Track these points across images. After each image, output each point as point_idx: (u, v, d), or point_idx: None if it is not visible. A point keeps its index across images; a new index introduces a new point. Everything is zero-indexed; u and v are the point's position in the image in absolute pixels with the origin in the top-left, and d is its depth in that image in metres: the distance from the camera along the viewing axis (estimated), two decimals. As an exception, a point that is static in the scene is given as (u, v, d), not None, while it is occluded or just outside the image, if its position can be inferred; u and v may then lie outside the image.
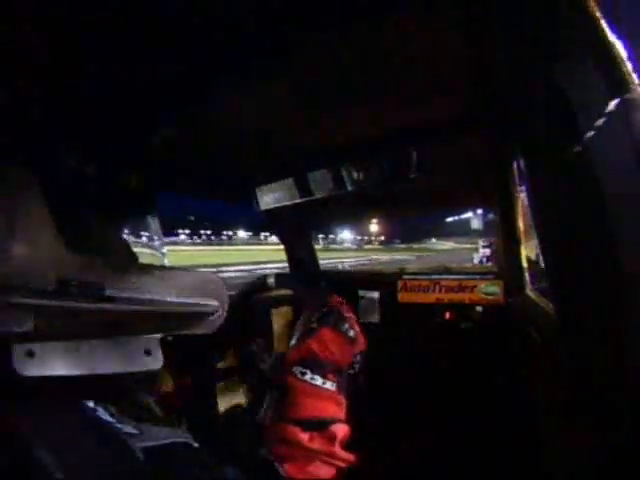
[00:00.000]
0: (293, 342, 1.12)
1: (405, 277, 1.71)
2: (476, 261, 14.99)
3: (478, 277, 1.59)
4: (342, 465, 0.91)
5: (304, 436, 0.91)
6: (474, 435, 1.31)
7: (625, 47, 0.38)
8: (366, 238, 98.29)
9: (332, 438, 0.92)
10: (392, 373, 1.58)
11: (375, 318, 1.73)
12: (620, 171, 0.37)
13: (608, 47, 0.38)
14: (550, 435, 0.86)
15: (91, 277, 0.51)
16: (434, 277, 1.67)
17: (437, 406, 1.47)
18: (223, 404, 1.28)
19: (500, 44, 0.52)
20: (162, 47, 0.65)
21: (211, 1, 0.56)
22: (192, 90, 0.83)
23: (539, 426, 0.98)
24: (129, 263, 0.64)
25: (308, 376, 0.99)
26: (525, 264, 1.46)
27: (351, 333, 1.12)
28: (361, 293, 1.76)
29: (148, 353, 0.59)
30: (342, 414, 1.01)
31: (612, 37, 0.38)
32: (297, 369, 1.01)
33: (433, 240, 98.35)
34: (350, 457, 0.93)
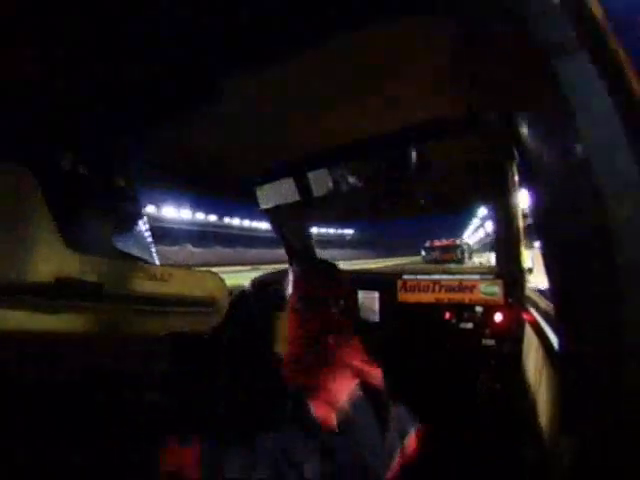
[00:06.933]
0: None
1: (405, 277, 1.71)
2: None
3: (478, 277, 1.59)
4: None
5: None
6: (473, 435, 1.31)
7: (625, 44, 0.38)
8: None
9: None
10: (391, 373, 1.58)
11: (375, 318, 1.73)
12: (621, 172, 0.37)
13: (609, 47, 0.38)
14: (549, 435, 0.86)
15: (90, 277, 0.51)
16: (434, 277, 1.66)
17: (436, 406, 1.47)
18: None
19: (499, 45, 0.52)
20: (165, 47, 0.65)
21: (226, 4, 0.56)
22: (192, 90, 0.83)
23: (538, 427, 0.98)
24: (128, 263, 0.64)
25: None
26: (525, 264, 1.46)
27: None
28: (361, 293, 1.76)
29: (147, 352, 0.59)
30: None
31: (613, 36, 0.38)
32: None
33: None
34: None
